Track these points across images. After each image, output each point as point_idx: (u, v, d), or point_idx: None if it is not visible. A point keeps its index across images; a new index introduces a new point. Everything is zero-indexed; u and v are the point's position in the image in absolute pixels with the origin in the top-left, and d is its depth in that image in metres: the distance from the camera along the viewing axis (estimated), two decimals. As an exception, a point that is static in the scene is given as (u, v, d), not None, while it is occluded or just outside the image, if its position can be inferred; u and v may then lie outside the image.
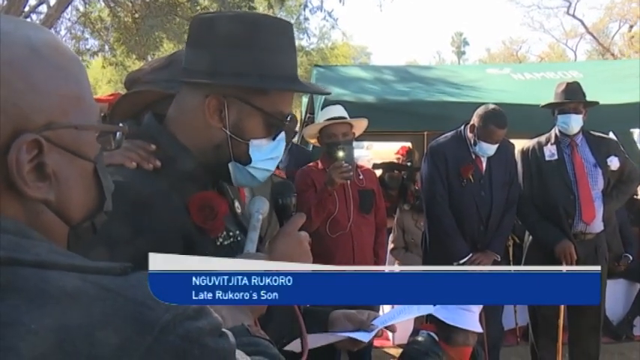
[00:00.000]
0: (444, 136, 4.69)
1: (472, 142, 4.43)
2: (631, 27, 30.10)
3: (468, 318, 3.63)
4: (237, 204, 1.67)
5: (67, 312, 0.73)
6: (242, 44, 1.45)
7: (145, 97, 2.36)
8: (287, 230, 1.50)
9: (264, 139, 1.51)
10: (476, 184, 4.46)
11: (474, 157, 4.48)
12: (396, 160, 8.64)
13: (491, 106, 4.45)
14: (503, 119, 4.33)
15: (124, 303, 0.76)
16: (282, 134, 1.56)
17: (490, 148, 4.39)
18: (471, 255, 4.44)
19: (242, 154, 1.51)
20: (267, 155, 1.53)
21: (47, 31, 0.94)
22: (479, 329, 3.67)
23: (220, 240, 1.49)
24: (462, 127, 4.56)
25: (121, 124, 0.99)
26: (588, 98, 4.70)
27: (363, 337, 1.70)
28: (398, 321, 1.83)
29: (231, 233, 1.52)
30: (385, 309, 5.73)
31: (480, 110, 4.43)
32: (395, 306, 1.95)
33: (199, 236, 1.45)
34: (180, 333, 0.77)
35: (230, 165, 1.52)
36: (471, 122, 4.45)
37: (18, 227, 0.82)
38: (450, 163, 4.48)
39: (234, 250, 1.49)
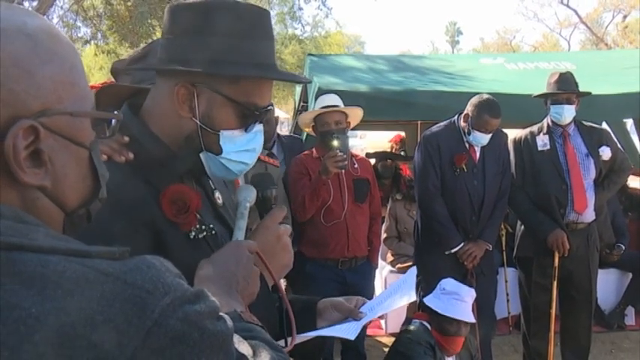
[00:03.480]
0: (437, 125, 4.70)
1: (466, 131, 4.44)
2: (625, 17, 30.18)
3: (461, 308, 3.65)
4: (217, 195, 1.63)
5: (67, 296, 0.73)
6: (213, 32, 1.41)
7: (122, 91, 2.36)
8: (266, 223, 1.49)
9: (236, 130, 1.47)
10: (469, 174, 4.47)
11: (467, 146, 4.48)
12: (389, 148, 8.65)
13: (485, 96, 4.45)
14: (497, 109, 4.33)
15: (123, 287, 0.76)
16: (258, 126, 1.51)
17: (484, 138, 4.39)
18: (462, 244, 4.46)
19: (213, 145, 1.47)
20: (240, 147, 1.49)
21: (42, 17, 0.93)
22: (471, 319, 3.69)
23: (193, 233, 1.46)
24: (456, 117, 4.56)
25: (115, 112, 0.99)
26: (581, 88, 4.70)
27: (349, 333, 1.65)
28: (386, 311, 1.82)
29: (204, 227, 1.48)
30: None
31: (474, 100, 4.43)
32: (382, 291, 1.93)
33: (170, 230, 1.42)
34: (179, 316, 0.77)
35: (202, 155, 1.49)
36: (465, 112, 4.45)
37: (15, 212, 0.82)
38: (443, 152, 4.48)
39: (209, 244, 1.46)
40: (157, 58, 1.52)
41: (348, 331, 1.67)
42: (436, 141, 4.53)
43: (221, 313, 0.86)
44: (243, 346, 0.93)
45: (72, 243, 0.82)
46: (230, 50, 1.41)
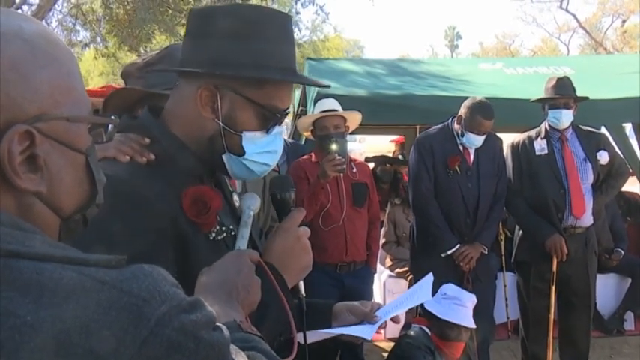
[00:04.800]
0: (431, 128, 4.71)
1: (459, 133, 4.44)
2: (623, 22, 30.24)
3: (462, 313, 3.64)
4: (235, 197, 1.66)
5: (63, 304, 0.73)
6: (237, 36, 1.44)
7: (133, 94, 2.37)
8: (285, 226, 1.50)
9: (257, 132, 1.49)
10: (463, 176, 4.46)
11: (461, 148, 4.48)
12: (392, 148, 8.66)
13: (478, 98, 4.46)
14: (490, 110, 4.34)
15: (119, 295, 0.76)
16: (278, 128, 1.54)
17: (477, 139, 4.39)
18: (458, 246, 4.46)
19: (235, 147, 1.49)
20: (262, 149, 1.51)
21: (39, 22, 0.93)
22: (472, 324, 3.68)
23: (213, 234, 1.48)
24: (450, 120, 4.57)
25: (112, 117, 0.98)
26: (580, 93, 4.71)
27: (365, 333, 1.69)
28: (402, 311, 1.84)
29: (224, 228, 1.50)
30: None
31: (467, 102, 4.44)
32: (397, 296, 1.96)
33: (192, 230, 1.44)
34: (175, 326, 0.77)
35: (224, 156, 1.51)
36: (459, 114, 4.45)
37: (11, 219, 0.82)
38: (436, 154, 4.48)
39: (227, 245, 1.48)
40: (177, 60, 1.55)
41: (363, 331, 1.70)
42: (429, 143, 4.53)
43: (218, 323, 0.85)
44: (239, 357, 0.93)
45: (69, 250, 0.82)
46: (254, 54, 1.45)
